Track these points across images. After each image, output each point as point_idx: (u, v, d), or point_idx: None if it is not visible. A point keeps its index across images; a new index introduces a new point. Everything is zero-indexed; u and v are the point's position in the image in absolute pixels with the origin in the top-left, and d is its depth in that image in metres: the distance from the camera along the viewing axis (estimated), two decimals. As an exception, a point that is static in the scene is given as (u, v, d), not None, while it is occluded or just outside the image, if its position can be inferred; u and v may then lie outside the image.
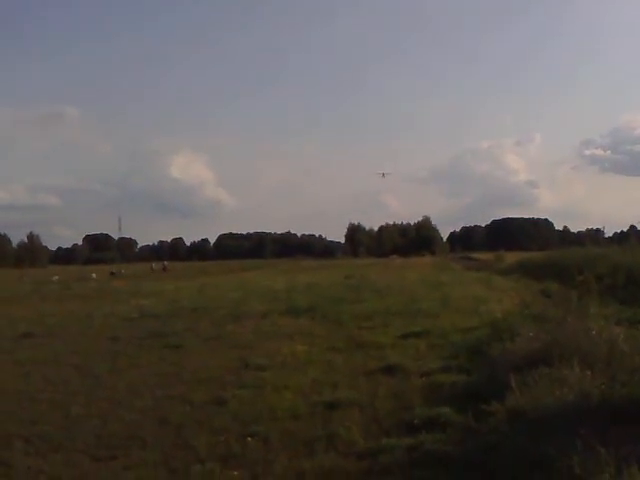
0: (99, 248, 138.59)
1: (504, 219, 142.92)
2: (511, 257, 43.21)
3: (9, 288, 35.20)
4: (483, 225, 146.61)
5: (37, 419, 7.31)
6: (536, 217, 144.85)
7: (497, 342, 8.89)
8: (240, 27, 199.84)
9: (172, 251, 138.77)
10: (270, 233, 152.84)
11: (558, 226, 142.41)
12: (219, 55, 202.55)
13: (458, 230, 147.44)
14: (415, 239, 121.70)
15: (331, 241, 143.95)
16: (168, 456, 5.87)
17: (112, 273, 55.58)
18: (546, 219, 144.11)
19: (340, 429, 6.26)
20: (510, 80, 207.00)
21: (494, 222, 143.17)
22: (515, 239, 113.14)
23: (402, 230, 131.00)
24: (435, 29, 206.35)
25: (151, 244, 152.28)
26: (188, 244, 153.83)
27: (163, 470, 5.54)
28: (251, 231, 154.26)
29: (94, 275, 50.28)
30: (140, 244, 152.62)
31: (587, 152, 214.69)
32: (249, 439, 6.13)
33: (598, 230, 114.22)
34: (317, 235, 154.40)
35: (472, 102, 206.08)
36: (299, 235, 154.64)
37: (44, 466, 5.75)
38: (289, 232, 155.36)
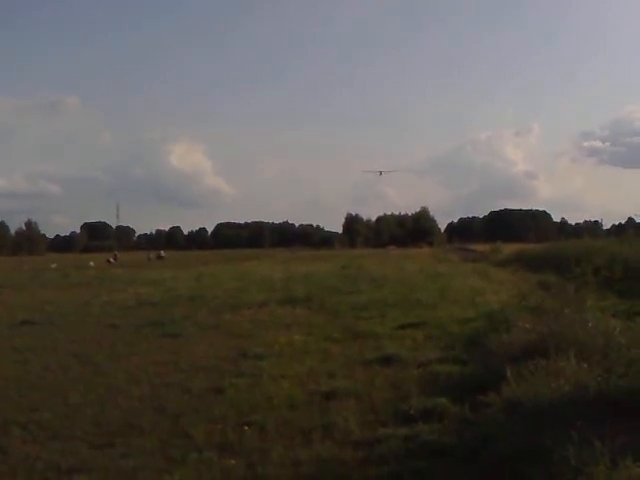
0: (97, 236, 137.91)
1: (502, 210, 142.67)
2: (508, 248, 43.18)
3: (7, 276, 35.15)
4: (481, 216, 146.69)
5: (35, 406, 7.32)
6: (534, 208, 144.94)
7: (494, 333, 8.92)
8: (239, 19, 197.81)
9: (170, 240, 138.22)
10: (268, 223, 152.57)
11: (556, 218, 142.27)
12: (218, 46, 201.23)
13: (456, 221, 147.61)
14: (413, 230, 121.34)
15: (329, 231, 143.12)
16: (166, 444, 5.89)
17: (108, 261, 55.60)
18: (544, 211, 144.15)
19: (337, 419, 6.29)
20: (510, 71, 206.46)
21: (492, 213, 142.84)
22: (513, 230, 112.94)
23: (400, 221, 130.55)
24: (435, 20, 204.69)
25: (149, 233, 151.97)
26: (186, 233, 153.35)
27: (160, 458, 5.57)
28: (249, 220, 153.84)
29: (92, 263, 50.25)
30: (138, 233, 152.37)
31: (586, 144, 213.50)
32: (246, 428, 6.16)
33: (596, 222, 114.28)
34: (315, 225, 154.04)
35: (471, 93, 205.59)
36: (297, 225, 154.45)
37: (42, 453, 5.78)
38: (287, 222, 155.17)
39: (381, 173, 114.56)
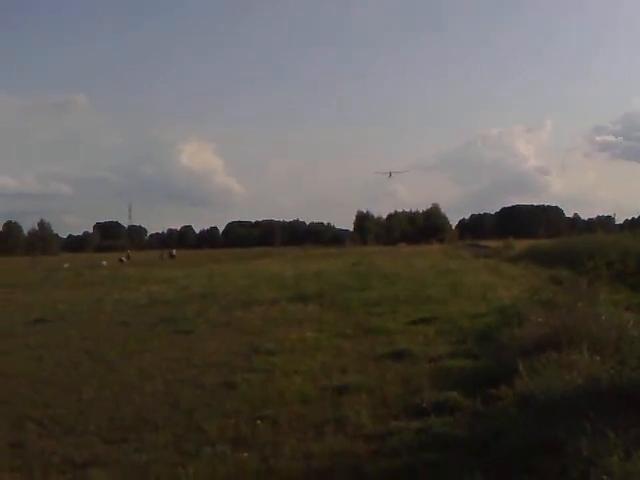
0: (109, 236, 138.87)
1: (514, 206, 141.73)
2: (520, 244, 43.02)
3: (21, 275, 35.52)
4: (493, 213, 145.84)
5: (50, 402, 7.42)
6: (546, 204, 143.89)
7: (506, 327, 8.89)
8: (246, 17, 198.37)
9: (182, 239, 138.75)
10: (279, 221, 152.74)
11: (568, 213, 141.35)
12: (226, 44, 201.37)
13: (467, 218, 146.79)
14: (424, 227, 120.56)
15: (340, 229, 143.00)
16: (179, 438, 5.94)
17: (121, 260, 56.10)
18: (556, 206, 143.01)
19: (349, 413, 6.30)
20: (521, 66, 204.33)
21: (504, 209, 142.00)
22: (525, 226, 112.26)
23: (411, 218, 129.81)
24: (445, 15, 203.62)
25: (161, 232, 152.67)
26: (197, 232, 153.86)
27: (174, 452, 5.62)
28: (260, 219, 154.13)
29: (105, 262, 50.64)
30: (150, 232, 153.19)
31: (598, 138, 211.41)
32: (259, 422, 6.19)
33: (609, 217, 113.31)
34: (326, 223, 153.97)
35: (482, 88, 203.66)
36: (308, 223, 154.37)
37: (57, 448, 5.85)
38: (298, 220, 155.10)
39: (390, 174, 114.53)
